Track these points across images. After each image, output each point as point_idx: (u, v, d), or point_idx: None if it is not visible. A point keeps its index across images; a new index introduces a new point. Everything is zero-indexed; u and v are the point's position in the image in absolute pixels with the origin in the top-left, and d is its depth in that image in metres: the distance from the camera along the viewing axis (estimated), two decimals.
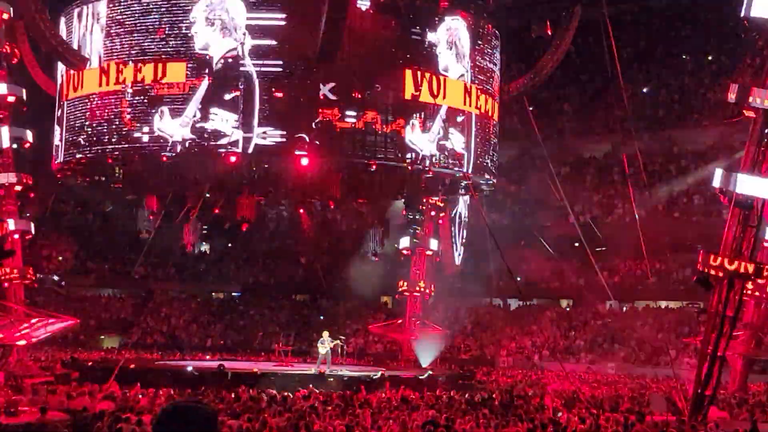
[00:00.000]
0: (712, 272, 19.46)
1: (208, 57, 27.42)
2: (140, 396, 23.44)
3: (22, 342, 33.92)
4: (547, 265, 49.01)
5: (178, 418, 4.49)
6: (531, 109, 35.17)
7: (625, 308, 49.30)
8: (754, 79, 20.39)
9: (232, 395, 23.98)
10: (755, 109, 19.63)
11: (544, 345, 47.17)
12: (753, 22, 19.88)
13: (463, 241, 40.27)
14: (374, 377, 30.62)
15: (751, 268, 19.56)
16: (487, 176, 32.30)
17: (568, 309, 51.71)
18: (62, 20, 30.41)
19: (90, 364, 33.65)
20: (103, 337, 53.27)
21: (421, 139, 29.05)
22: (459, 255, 40.60)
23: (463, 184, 32.59)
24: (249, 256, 59.41)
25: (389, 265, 45.04)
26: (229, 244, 60.71)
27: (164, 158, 28.30)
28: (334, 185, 30.57)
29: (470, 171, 30.81)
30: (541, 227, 48.76)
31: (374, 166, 28.85)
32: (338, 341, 32.70)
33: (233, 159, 27.95)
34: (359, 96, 27.96)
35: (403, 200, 35.80)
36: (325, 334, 32.22)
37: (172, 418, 4.50)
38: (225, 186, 31.34)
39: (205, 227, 53.39)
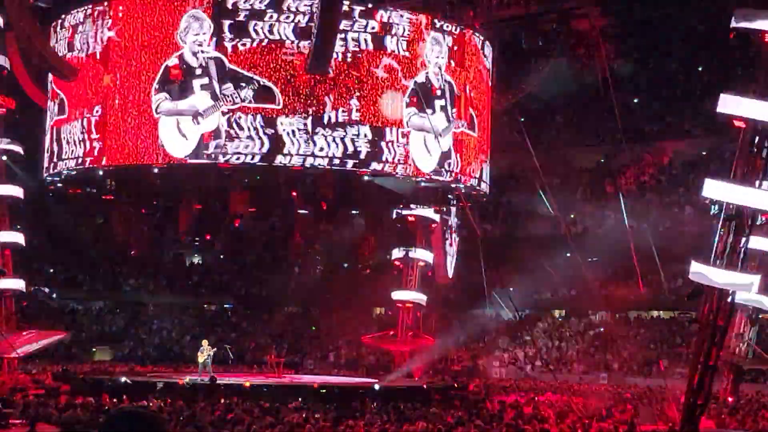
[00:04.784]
0: (704, 282, 19.49)
1: None
2: None
3: (13, 355, 33.77)
4: (540, 275, 48.95)
5: (123, 423, 4.46)
6: (522, 119, 35.18)
7: (617, 318, 49.27)
8: (744, 90, 20.42)
9: (224, 407, 23.92)
10: (744, 119, 19.69)
11: (537, 356, 47.13)
12: (741, 34, 19.96)
13: (456, 251, 40.20)
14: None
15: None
16: (479, 186, 32.20)
17: (560, 319, 51.70)
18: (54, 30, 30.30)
19: (81, 376, 33.54)
20: (94, 349, 53.05)
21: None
22: (451, 265, 40.53)
23: (454, 194, 32.54)
24: (241, 267, 59.27)
25: (382, 276, 44.92)
26: (221, 256, 60.59)
27: (155, 169, 28.24)
28: (326, 185, 30.37)
29: (463, 180, 30.74)
30: (533, 238, 48.73)
31: (366, 176, 28.79)
32: (211, 351, 33.27)
33: (227, 172, 27.90)
34: None
35: (395, 210, 35.73)
36: (205, 342, 33.68)
37: (117, 423, 4.46)
38: (215, 197, 31.22)
39: (197, 239, 53.38)
